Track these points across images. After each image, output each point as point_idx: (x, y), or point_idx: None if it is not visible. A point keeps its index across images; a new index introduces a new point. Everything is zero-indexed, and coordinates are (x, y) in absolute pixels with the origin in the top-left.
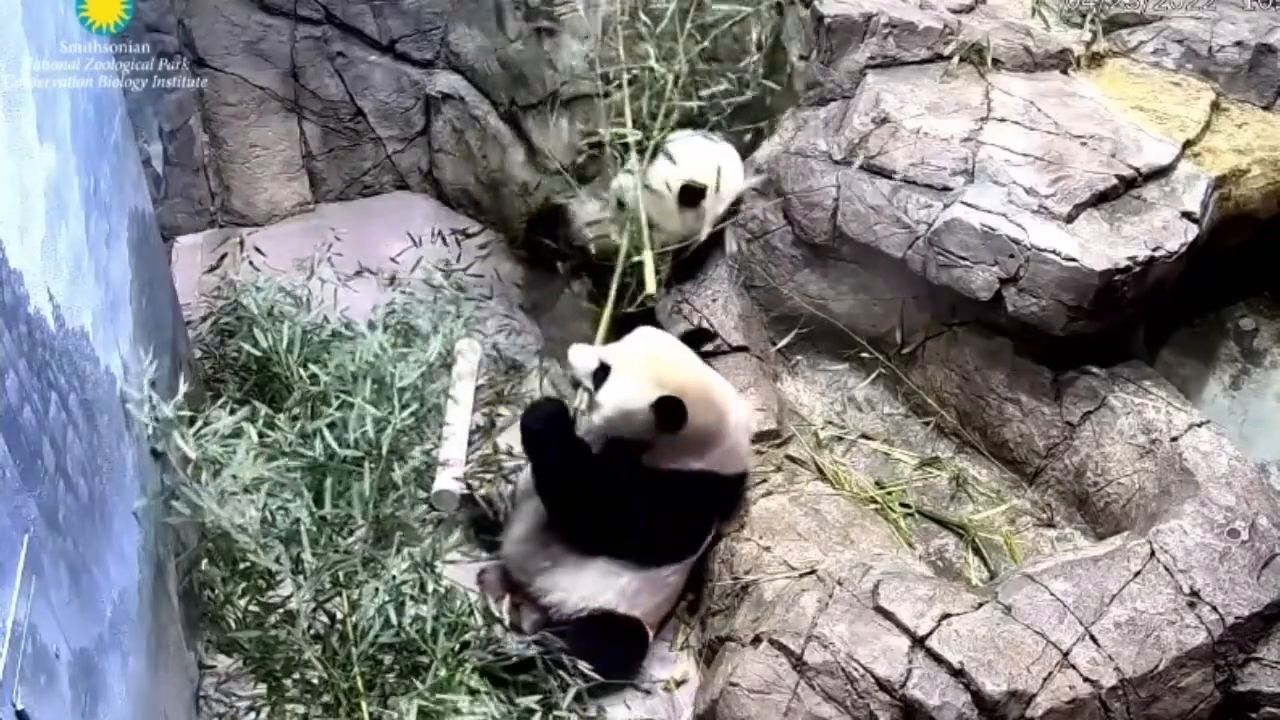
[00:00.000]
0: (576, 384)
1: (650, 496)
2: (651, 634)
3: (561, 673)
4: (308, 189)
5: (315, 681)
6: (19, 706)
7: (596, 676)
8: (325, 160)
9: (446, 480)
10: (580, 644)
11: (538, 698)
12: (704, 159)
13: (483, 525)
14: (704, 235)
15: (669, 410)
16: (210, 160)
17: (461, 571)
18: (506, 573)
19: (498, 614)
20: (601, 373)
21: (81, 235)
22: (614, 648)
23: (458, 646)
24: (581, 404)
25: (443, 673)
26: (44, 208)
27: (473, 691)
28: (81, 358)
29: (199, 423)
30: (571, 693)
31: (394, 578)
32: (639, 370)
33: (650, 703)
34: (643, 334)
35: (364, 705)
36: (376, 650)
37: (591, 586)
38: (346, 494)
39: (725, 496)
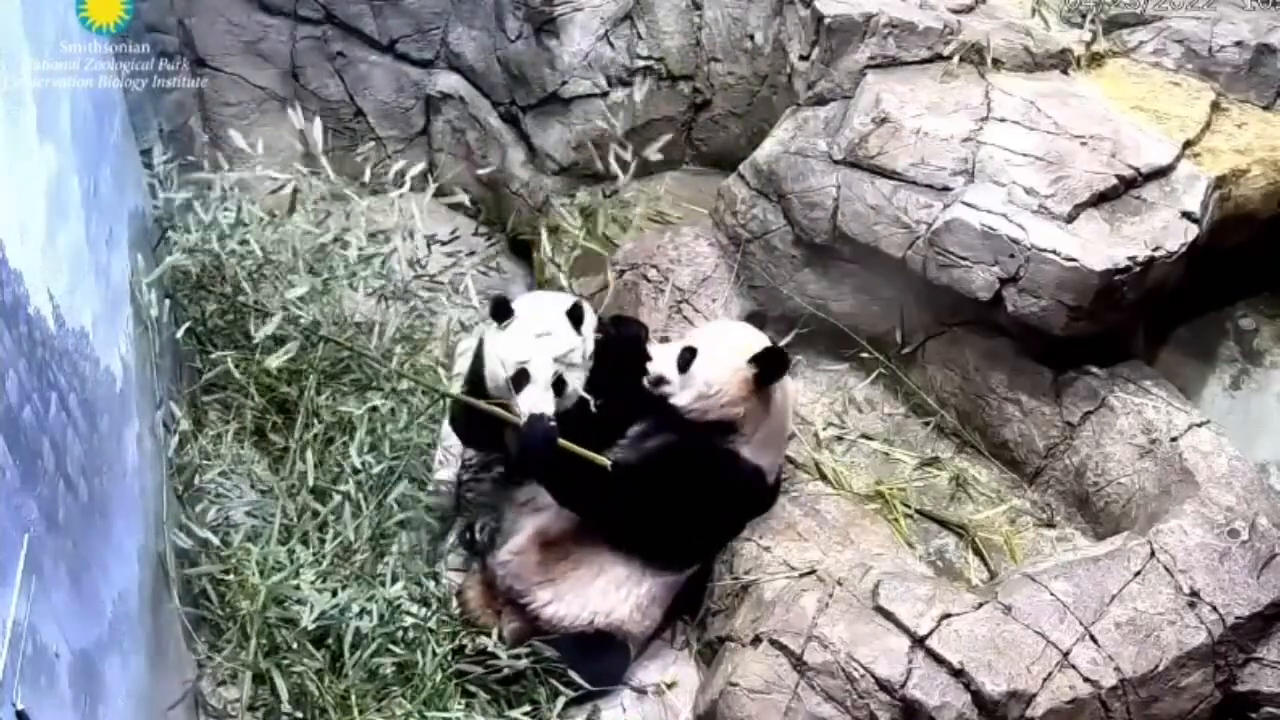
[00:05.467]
0: (656, 382)
1: (729, 489)
2: (634, 649)
3: (553, 680)
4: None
5: (311, 687)
6: (19, 706)
7: (586, 685)
8: (325, 160)
9: (444, 479)
10: (567, 653)
11: (527, 708)
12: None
13: (473, 533)
14: None
15: (771, 359)
16: (210, 160)
17: (459, 578)
18: (489, 585)
19: (487, 632)
20: (687, 354)
21: (81, 235)
22: (600, 657)
23: (450, 655)
24: (674, 396)
25: (438, 677)
26: (44, 208)
27: (468, 694)
28: (81, 358)
29: (198, 426)
30: (561, 702)
31: (393, 579)
32: (726, 343)
33: (645, 705)
34: (713, 324)
35: (355, 712)
36: (371, 656)
37: (607, 599)
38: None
39: (765, 503)
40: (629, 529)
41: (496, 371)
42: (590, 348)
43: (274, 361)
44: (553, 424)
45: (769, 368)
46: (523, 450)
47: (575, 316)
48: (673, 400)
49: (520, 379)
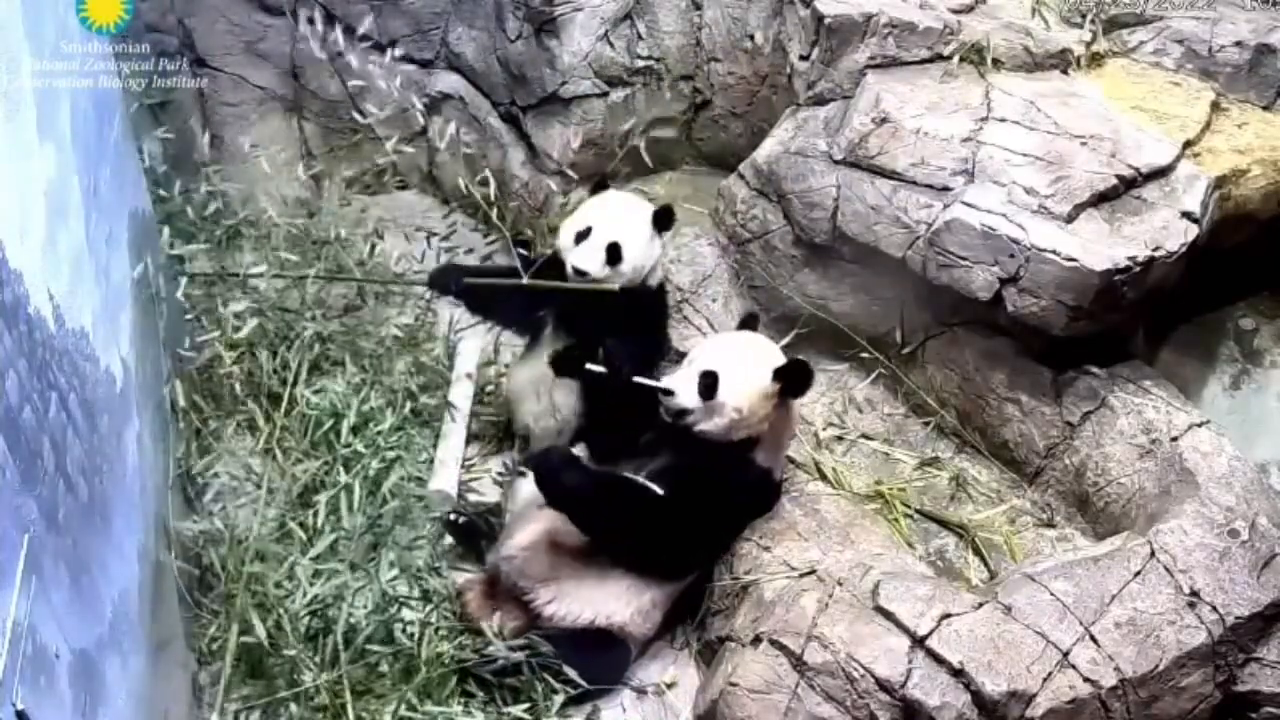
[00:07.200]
0: (679, 414)
1: (744, 501)
2: (634, 650)
3: (548, 676)
4: (308, 189)
5: (308, 682)
6: (19, 706)
7: (584, 684)
8: (325, 160)
9: (442, 481)
10: (567, 652)
11: (525, 706)
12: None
13: (472, 531)
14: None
15: (796, 373)
16: (210, 160)
17: (459, 577)
18: (491, 583)
19: (485, 629)
20: (709, 380)
21: (81, 235)
22: (601, 655)
23: (449, 652)
24: (700, 424)
25: (435, 674)
26: (44, 208)
27: (467, 694)
28: (81, 358)
29: (199, 425)
30: (559, 700)
31: (390, 579)
32: (745, 360)
33: (645, 705)
34: (720, 338)
35: (350, 708)
36: (366, 646)
37: (609, 604)
38: (341, 496)
39: (770, 504)
40: (647, 551)
41: (567, 231)
42: (666, 253)
43: (243, 331)
44: (567, 454)
45: (794, 381)
46: (540, 480)
47: (662, 219)
48: (699, 428)
49: (580, 238)
